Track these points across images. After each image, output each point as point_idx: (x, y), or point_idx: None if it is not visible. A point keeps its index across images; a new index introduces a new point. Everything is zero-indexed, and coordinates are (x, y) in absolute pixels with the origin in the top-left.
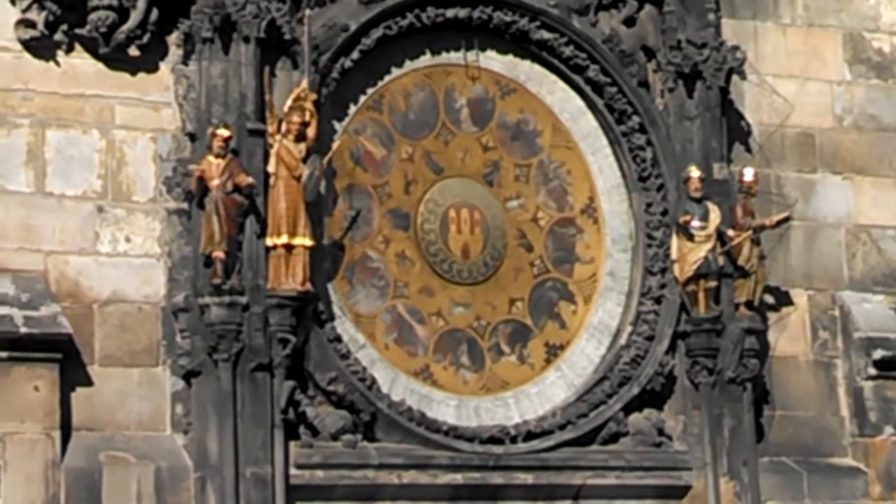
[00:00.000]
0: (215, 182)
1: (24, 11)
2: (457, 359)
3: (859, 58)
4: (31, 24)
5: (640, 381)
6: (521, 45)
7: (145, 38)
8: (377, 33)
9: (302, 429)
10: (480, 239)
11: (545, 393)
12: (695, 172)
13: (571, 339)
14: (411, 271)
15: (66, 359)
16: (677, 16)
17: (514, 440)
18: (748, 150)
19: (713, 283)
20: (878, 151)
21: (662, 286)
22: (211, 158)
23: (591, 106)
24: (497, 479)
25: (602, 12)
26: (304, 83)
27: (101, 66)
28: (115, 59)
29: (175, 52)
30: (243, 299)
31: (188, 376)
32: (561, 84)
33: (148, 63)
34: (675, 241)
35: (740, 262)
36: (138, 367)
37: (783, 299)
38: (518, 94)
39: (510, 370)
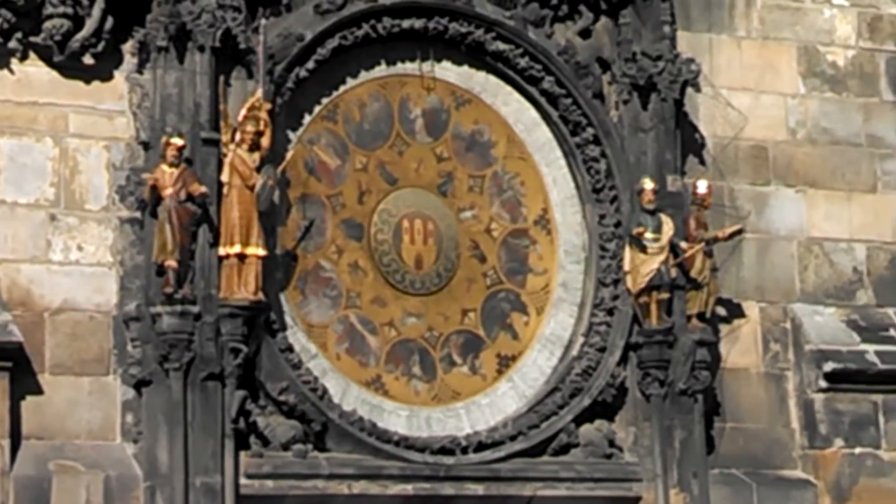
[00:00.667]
0: (168, 191)
1: None
2: (409, 369)
3: (814, 71)
4: None
5: (592, 393)
6: (476, 57)
7: (100, 47)
8: (333, 43)
9: (252, 438)
10: (434, 249)
11: (497, 404)
12: (648, 184)
13: (523, 350)
14: (364, 281)
15: (17, 367)
16: (633, 28)
17: (465, 451)
18: (702, 162)
19: (665, 295)
20: (831, 165)
21: (615, 298)
22: (164, 167)
23: (546, 117)
24: (448, 489)
25: (558, 24)
26: (259, 93)
27: (55, 74)
28: (70, 68)
29: (130, 61)
30: (195, 308)
31: (139, 385)
32: (516, 95)
33: (102, 71)
34: (627, 253)
35: (693, 274)
36: (89, 376)
37: (735, 311)
38: (473, 104)
39: (462, 381)
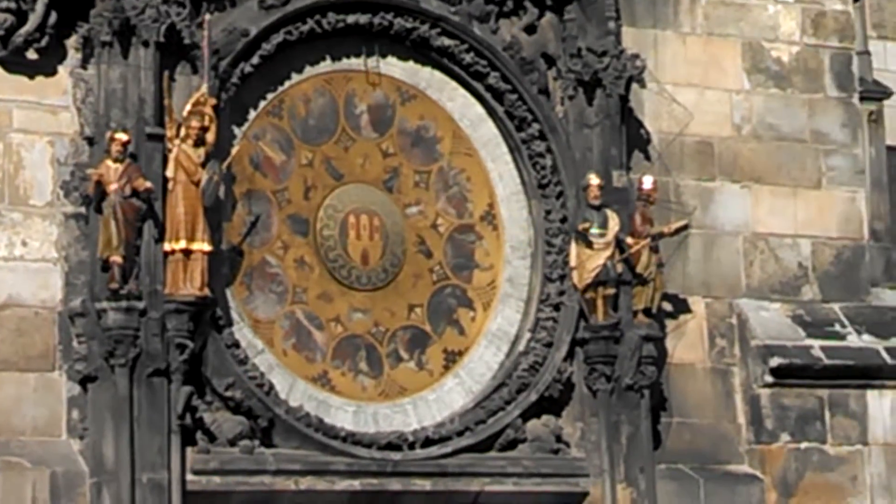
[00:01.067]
0: (113, 186)
1: None
2: (355, 365)
3: (758, 67)
4: None
5: (539, 388)
6: (421, 52)
7: (44, 42)
8: (278, 38)
9: (199, 434)
10: (380, 245)
11: (443, 399)
12: (594, 180)
13: (470, 346)
14: (310, 277)
15: None
16: (578, 24)
17: (412, 446)
18: (647, 158)
19: (612, 291)
20: (776, 161)
21: (561, 293)
22: (109, 163)
23: (492, 113)
24: (395, 485)
25: (503, 19)
26: (204, 88)
27: None
28: (13, 63)
29: (74, 56)
30: (141, 304)
31: (84, 381)
32: (461, 91)
33: (46, 66)
34: (573, 249)
35: (639, 269)
36: (34, 372)
37: (681, 307)
38: (418, 100)
39: (409, 376)
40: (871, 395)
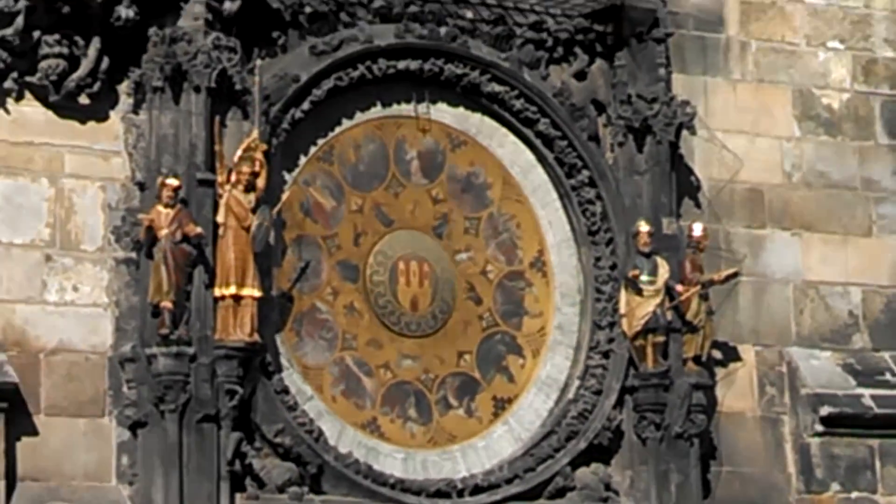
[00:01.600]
0: (164, 232)
1: None
2: (404, 411)
3: (808, 114)
4: None
5: (588, 436)
6: (471, 98)
7: (96, 87)
8: (328, 84)
9: (248, 481)
10: (429, 291)
11: (492, 447)
12: (644, 227)
13: (519, 393)
14: (360, 323)
15: (12, 408)
16: (628, 70)
17: (461, 494)
18: (697, 205)
19: (661, 338)
20: (826, 208)
21: (610, 340)
22: (160, 208)
23: (542, 159)
24: None
25: (553, 66)
26: (255, 133)
27: (50, 114)
28: (66, 108)
29: (125, 101)
30: (191, 350)
31: (134, 427)
32: (511, 137)
33: (98, 112)
34: (623, 296)
35: (688, 317)
36: (84, 418)
37: (731, 355)
38: (468, 146)
39: (458, 423)
40: None
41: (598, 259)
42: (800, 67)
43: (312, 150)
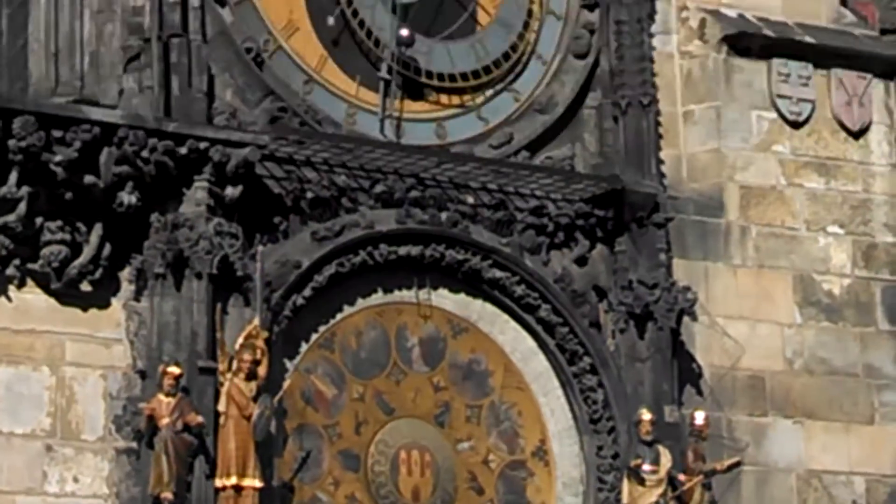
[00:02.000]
0: (165, 421)
1: None
2: None
3: (809, 300)
4: None
5: None
6: (472, 284)
7: (97, 274)
8: (330, 270)
9: None
10: (431, 481)
11: None
12: (646, 415)
13: None
14: None
15: None
16: (629, 255)
17: None
18: (699, 392)
19: None
20: (828, 395)
21: None
22: (161, 397)
23: (543, 346)
24: None
25: (554, 251)
26: (256, 321)
27: (52, 301)
28: (67, 295)
29: (127, 288)
30: None
31: None
32: (513, 324)
33: (100, 299)
34: (626, 485)
35: None
36: None
37: None
38: (470, 333)
39: None
40: None
41: (600, 448)
42: (800, 252)
43: (314, 336)
